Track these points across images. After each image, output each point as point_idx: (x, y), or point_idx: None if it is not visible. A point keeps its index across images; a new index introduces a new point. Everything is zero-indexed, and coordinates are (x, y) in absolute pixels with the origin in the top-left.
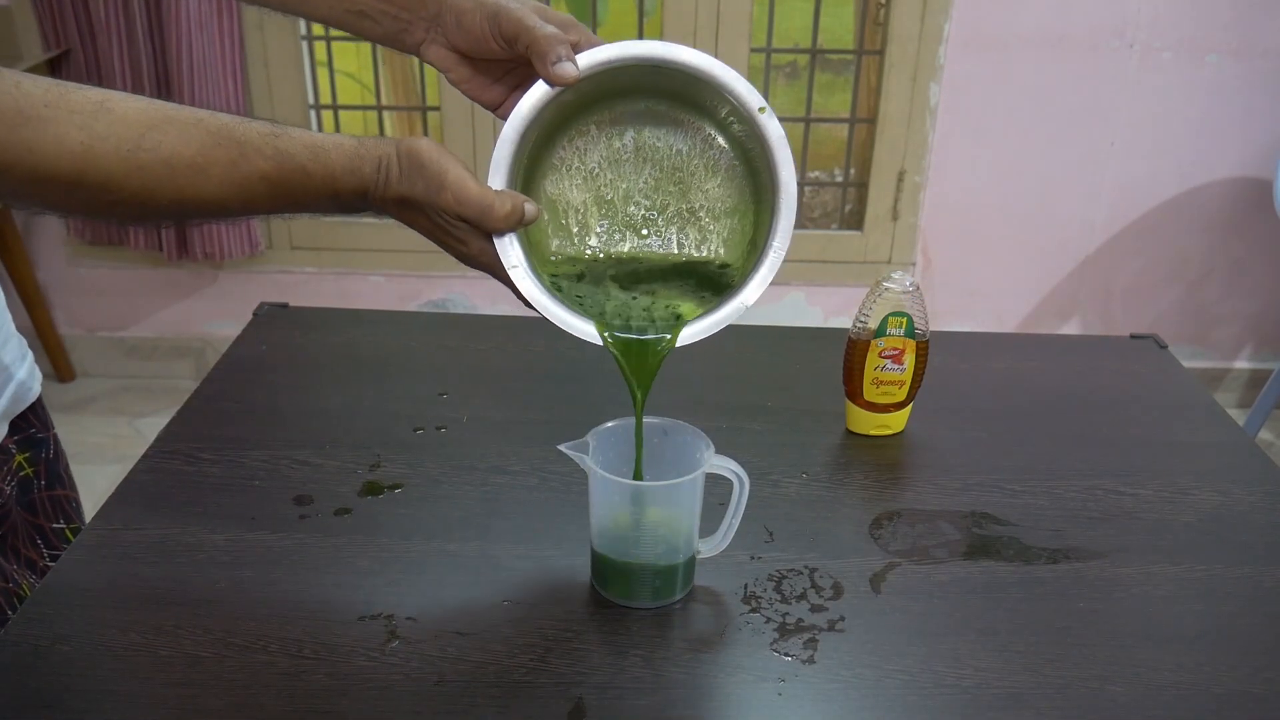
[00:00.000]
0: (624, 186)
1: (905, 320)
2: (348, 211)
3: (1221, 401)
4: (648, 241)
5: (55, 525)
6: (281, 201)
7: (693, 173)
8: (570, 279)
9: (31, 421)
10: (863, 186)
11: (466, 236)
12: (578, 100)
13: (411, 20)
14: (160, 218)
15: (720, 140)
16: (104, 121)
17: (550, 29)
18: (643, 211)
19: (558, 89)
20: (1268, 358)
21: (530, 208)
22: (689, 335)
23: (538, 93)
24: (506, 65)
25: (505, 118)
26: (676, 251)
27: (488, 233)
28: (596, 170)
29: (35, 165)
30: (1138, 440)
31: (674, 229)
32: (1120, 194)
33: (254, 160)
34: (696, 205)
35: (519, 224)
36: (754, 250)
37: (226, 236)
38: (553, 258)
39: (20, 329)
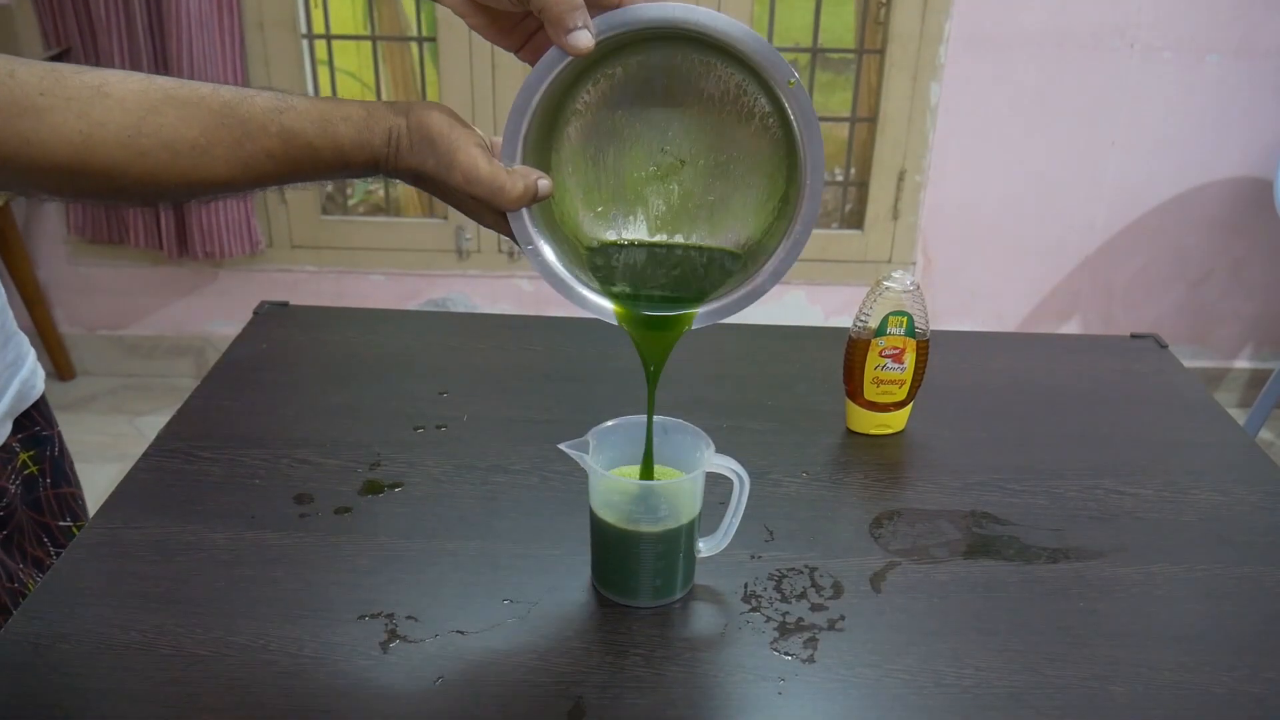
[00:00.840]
0: (653, 134)
1: (906, 319)
2: (362, 177)
3: (1221, 401)
4: (675, 194)
5: (62, 523)
6: (291, 176)
7: (725, 120)
8: (591, 251)
9: (36, 419)
10: (863, 186)
11: (480, 210)
12: (603, 43)
13: None
14: (170, 199)
15: (752, 87)
16: (101, 107)
17: None
18: (670, 159)
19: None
20: (1268, 358)
21: (544, 184)
22: (705, 317)
23: (552, 58)
24: (523, 13)
25: (527, 60)
26: (706, 204)
27: (501, 209)
28: (623, 116)
29: (34, 156)
30: (1138, 440)
31: (704, 180)
32: (1120, 194)
33: (259, 139)
34: (728, 156)
35: (533, 201)
36: (785, 208)
37: (227, 235)
38: (590, 240)
39: (20, 328)
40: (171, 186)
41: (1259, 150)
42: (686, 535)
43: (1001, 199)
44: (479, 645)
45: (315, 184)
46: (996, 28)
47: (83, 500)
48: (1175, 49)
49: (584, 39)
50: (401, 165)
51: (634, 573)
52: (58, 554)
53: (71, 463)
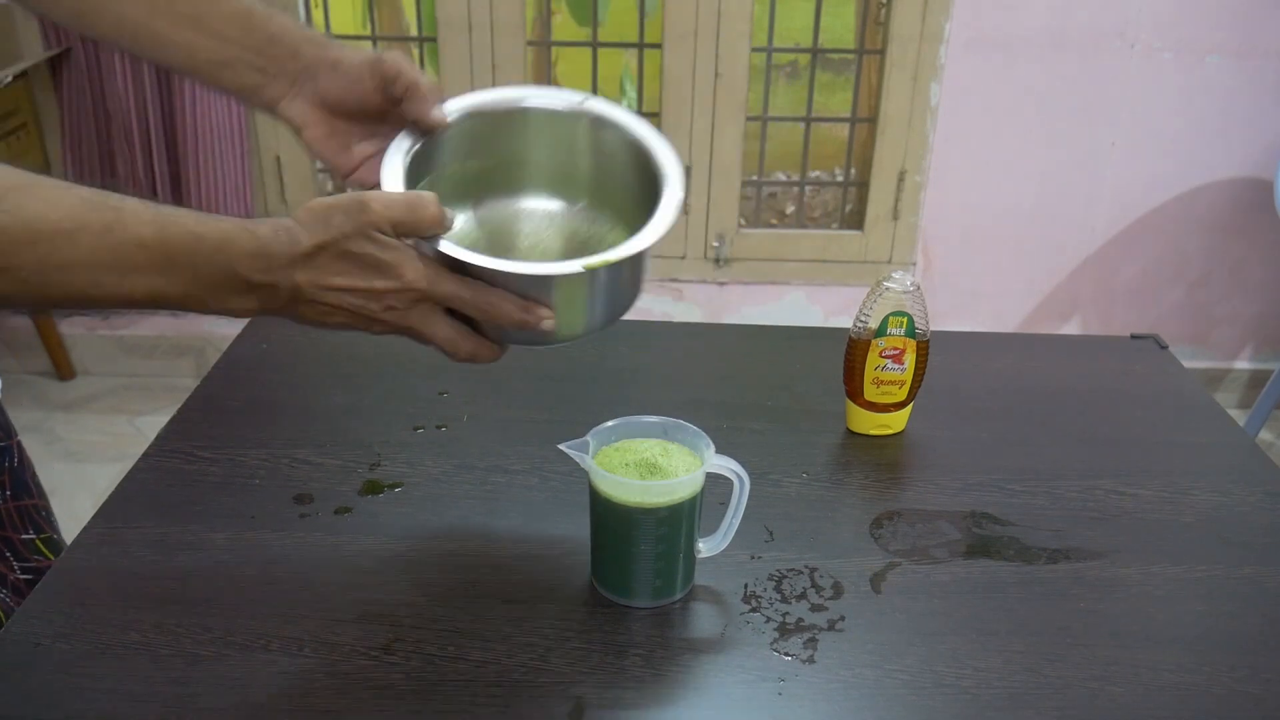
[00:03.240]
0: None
1: (906, 320)
2: (240, 291)
3: (1221, 402)
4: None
5: (24, 536)
6: (166, 273)
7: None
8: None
9: None
10: (863, 186)
11: (400, 259)
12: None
13: (276, 75)
14: (15, 287)
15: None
16: None
17: (432, 80)
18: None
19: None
20: (1268, 358)
21: (450, 212)
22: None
23: (405, 142)
24: (365, 130)
25: (356, 185)
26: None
27: (421, 233)
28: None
29: None
30: (1138, 440)
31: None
32: (1120, 194)
33: (131, 226)
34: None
35: (446, 226)
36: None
37: None
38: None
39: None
40: (27, 271)
41: (1259, 150)
42: (686, 535)
43: (1002, 199)
44: (479, 645)
45: (191, 312)
46: (996, 28)
47: (47, 511)
48: (1175, 49)
49: (441, 115)
50: (298, 250)
51: (634, 576)
52: (22, 568)
53: (34, 474)
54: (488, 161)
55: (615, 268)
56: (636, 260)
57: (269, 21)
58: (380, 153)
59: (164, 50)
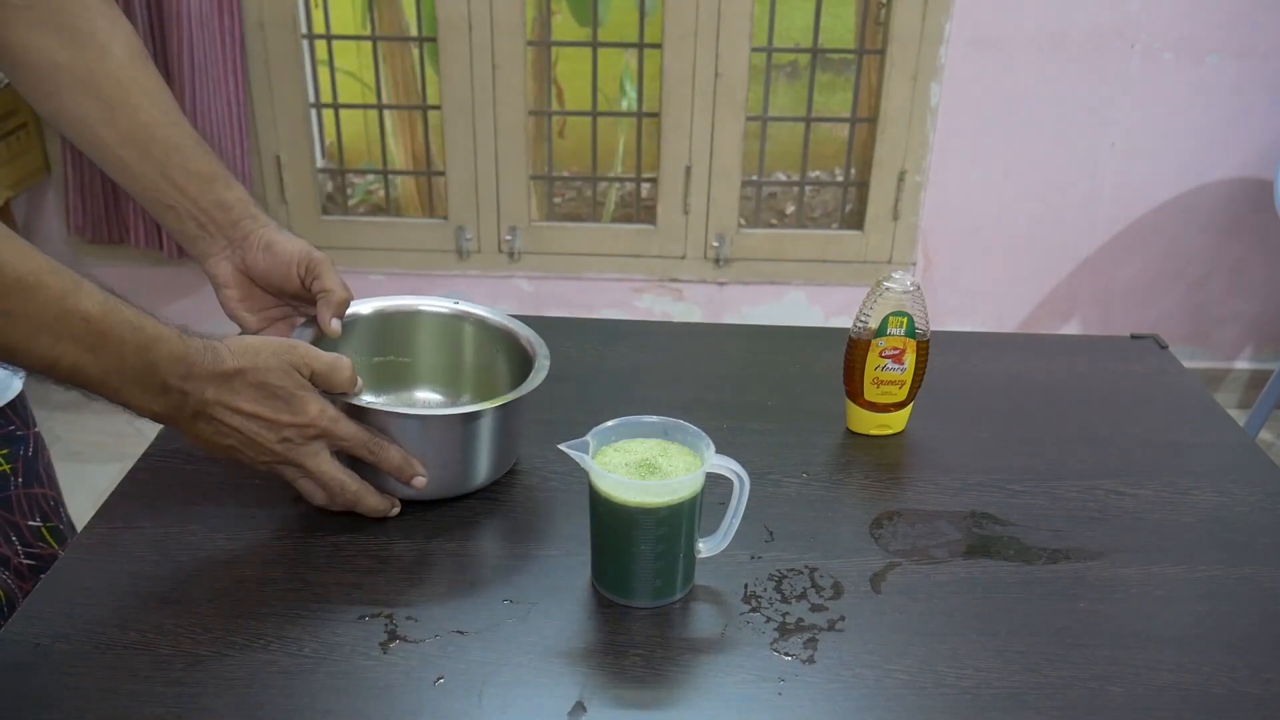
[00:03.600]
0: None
1: (906, 320)
2: (154, 390)
3: (1221, 402)
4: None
5: (31, 523)
6: (96, 351)
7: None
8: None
9: (10, 418)
10: (863, 186)
11: (308, 398)
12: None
13: (214, 235)
14: None
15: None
16: None
17: (344, 292)
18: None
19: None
20: (1268, 358)
21: (360, 380)
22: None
23: (308, 332)
24: (275, 300)
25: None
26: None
27: (333, 389)
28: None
29: None
30: (1138, 440)
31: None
32: (1120, 194)
33: (84, 300)
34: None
35: (356, 390)
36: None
37: None
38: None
39: None
40: None
41: (1259, 150)
42: (686, 534)
43: (1001, 199)
44: (479, 645)
45: (103, 399)
46: (996, 28)
47: (56, 501)
48: (1175, 50)
49: (338, 327)
50: (219, 368)
51: (634, 576)
52: (26, 553)
53: (49, 464)
54: (385, 357)
55: (494, 416)
56: (511, 417)
57: (227, 189)
58: (285, 318)
59: (121, 171)
